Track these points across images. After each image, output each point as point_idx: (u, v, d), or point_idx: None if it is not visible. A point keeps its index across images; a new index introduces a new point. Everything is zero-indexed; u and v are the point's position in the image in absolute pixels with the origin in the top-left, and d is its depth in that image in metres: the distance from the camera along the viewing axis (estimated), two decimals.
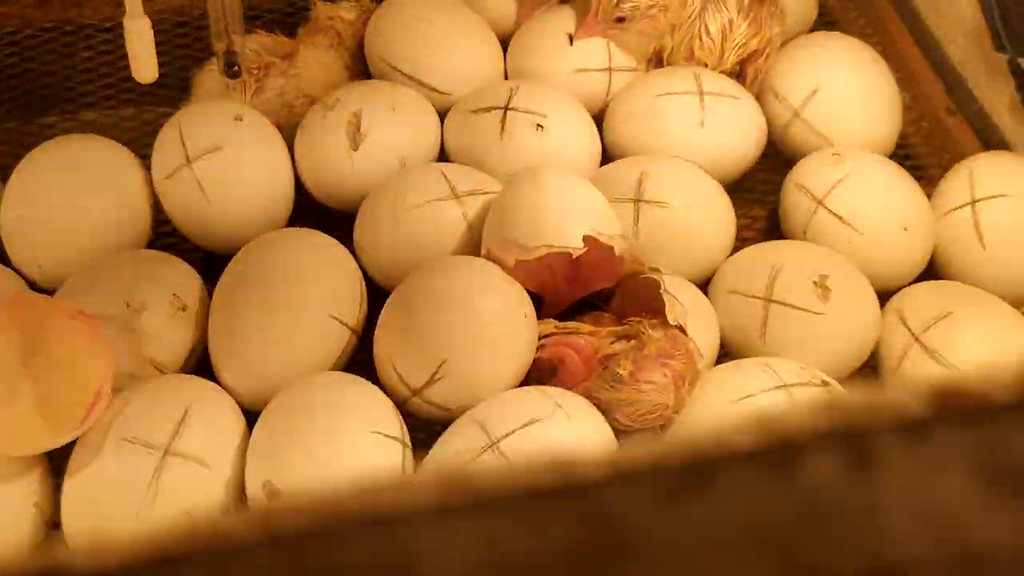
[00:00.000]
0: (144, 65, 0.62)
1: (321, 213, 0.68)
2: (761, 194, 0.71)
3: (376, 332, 0.57)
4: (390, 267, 0.61)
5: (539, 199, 0.57)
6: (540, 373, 0.58)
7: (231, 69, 0.62)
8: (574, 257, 0.56)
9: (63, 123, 0.76)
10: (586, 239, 0.56)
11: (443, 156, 0.70)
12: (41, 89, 0.78)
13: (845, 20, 0.83)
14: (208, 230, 0.63)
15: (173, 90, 0.78)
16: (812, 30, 0.77)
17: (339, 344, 0.58)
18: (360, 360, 0.60)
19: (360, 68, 0.75)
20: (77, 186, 0.61)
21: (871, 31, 0.81)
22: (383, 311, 0.57)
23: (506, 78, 0.73)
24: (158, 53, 0.80)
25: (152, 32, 0.61)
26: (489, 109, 0.66)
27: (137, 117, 0.77)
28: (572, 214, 0.57)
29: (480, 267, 0.56)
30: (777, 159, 0.73)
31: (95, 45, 0.80)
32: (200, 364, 0.59)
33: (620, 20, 0.67)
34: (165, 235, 0.68)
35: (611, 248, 0.57)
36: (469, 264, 0.56)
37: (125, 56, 0.81)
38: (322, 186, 0.66)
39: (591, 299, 0.62)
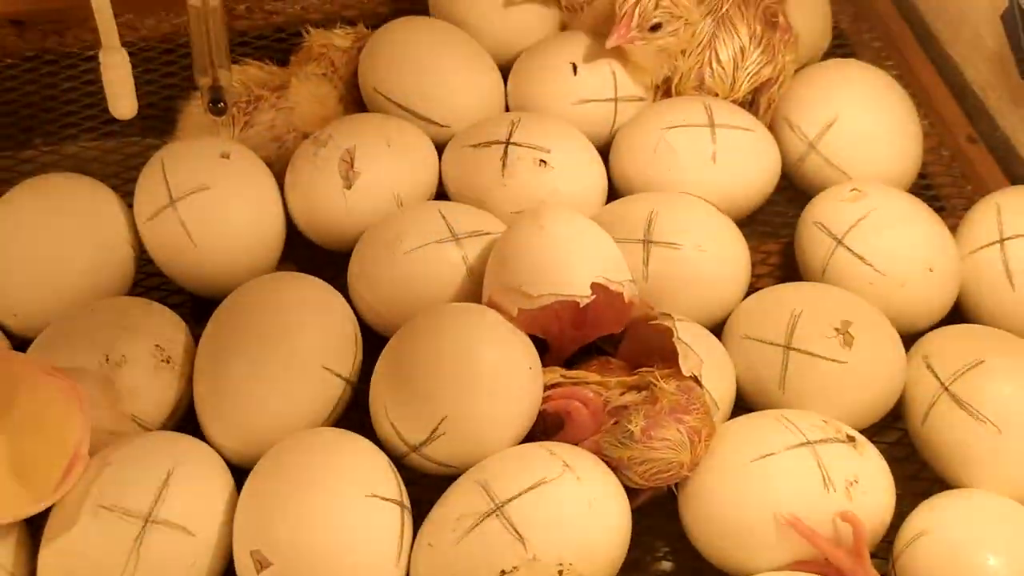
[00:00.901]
0: (121, 100, 0.58)
1: (313, 253, 0.65)
2: (775, 228, 0.68)
3: (372, 384, 0.54)
4: (387, 312, 0.58)
5: (542, 243, 0.54)
6: (545, 426, 0.54)
7: (216, 106, 0.59)
8: (581, 305, 0.52)
9: (43, 156, 0.73)
10: (594, 286, 0.52)
11: (441, 192, 0.66)
12: (21, 120, 0.75)
13: (859, 44, 0.80)
14: (194, 274, 0.60)
15: (159, 122, 0.75)
16: (826, 56, 0.75)
17: (332, 396, 0.54)
18: (355, 410, 0.57)
19: (354, 98, 0.72)
20: (56, 229, 0.58)
21: (887, 55, 0.79)
22: (379, 361, 0.54)
23: (507, 109, 0.70)
24: (143, 82, 0.77)
25: (130, 65, 0.58)
26: (489, 144, 0.63)
27: (120, 150, 0.74)
28: (578, 259, 0.54)
29: (482, 316, 0.53)
30: (791, 191, 0.70)
31: (77, 75, 0.77)
32: (185, 418, 0.56)
33: (654, 28, 0.64)
34: (151, 275, 0.64)
35: (620, 295, 0.54)
36: (470, 312, 0.53)
37: None
38: (314, 226, 0.63)
39: (598, 342, 0.59)
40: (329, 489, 0.48)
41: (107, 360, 0.52)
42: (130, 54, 0.77)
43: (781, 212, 0.69)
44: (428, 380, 0.51)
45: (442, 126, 0.67)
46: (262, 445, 0.52)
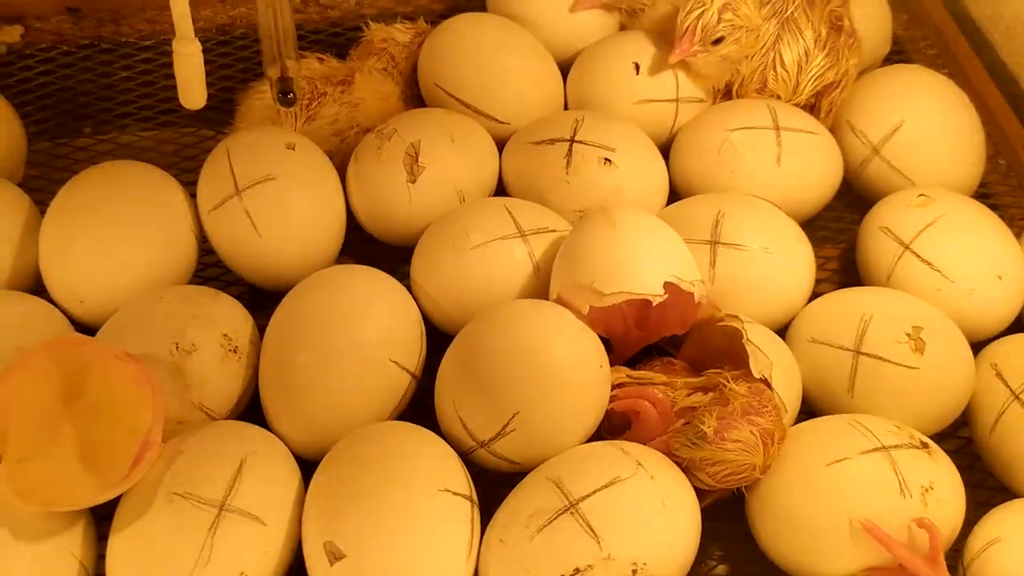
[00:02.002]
0: (192, 91, 0.58)
1: (368, 247, 0.65)
2: (833, 232, 0.68)
3: (439, 379, 0.54)
4: (450, 307, 0.58)
5: (614, 241, 0.54)
6: (612, 425, 0.54)
7: (286, 97, 0.58)
8: (653, 304, 0.52)
9: (98, 144, 0.73)
10: (666, 286, 0.52)
11: (500, 189, 0.66)
12: (78, 108, 0.75)
13: (914, 51, 0.80)
14: (257, 264, 0.60)
15: (214, 112, 0.75)
16: (884, 62, 0.74)
17: (398, 390, 0.54)
18: (411, 404, 0.57)
19: (412, 93, 0.72)
20: (122, 216, 0.58)
21: (943, 62, 0.78)
22: (447, 355, 0.54)
23: (565, 107, 0.70)
24: None
25: (202, 56, 0.58)
26: (553, 141, 0.63)
27: (175, 140, 0.74)
28: (649, 258, 0.53)
29: (554, 312, 0.52)
30: (848, 196, 0.69)
31: (132, 64, 0.77)
32: (248, 409, 0.56)
33: (717, 42, 0.64)
34: (208, 266, 0.64)
35: (691, 295, 0.53)
36: (542, 309, 0.53)
37: (164, 75, 0.79)
38: (377, 219, 0.63)
39: (660, 343, 0.59)
40: (403, 483, 0.47)
41: (177, 348, 0.52)
42: None
43: (839, 217, 0.68)
44: (500, 376, 0.51)
45: (502, 123, 0.67)
46: (328, 437, 0.52)
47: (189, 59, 0.57)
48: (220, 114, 0.75)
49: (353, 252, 0.65)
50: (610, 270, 0.53)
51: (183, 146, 0.73)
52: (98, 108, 0.75)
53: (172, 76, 0.76)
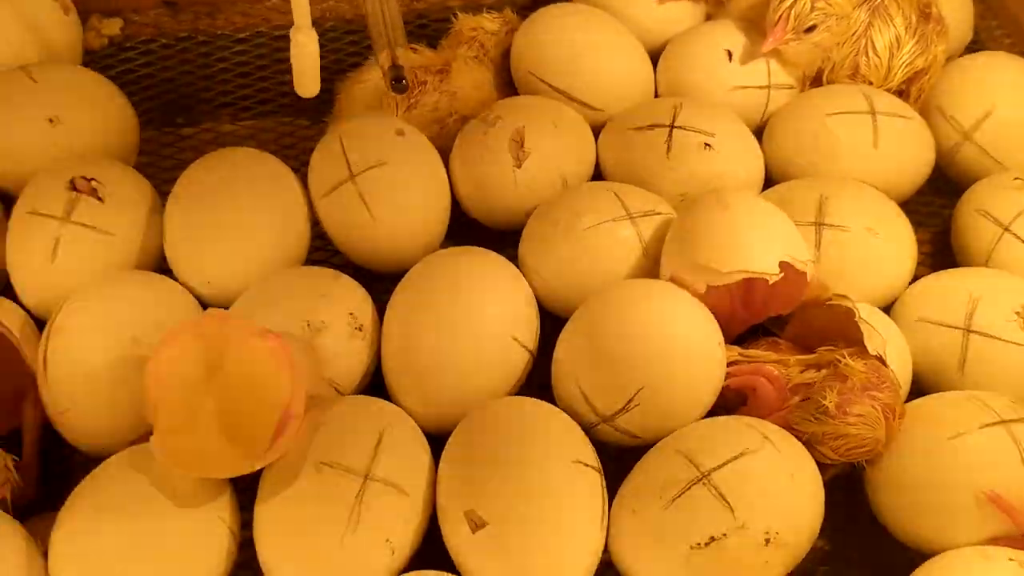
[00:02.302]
0: (307, 79, 0.60)
1: (469, 231, 0.67)
2: (924, 216, 0.69)
3: (558, 356, 0.55)
4: (561, 287, 0.59)
5: (727, 222, 0.55)
6: (727, 402, 0.56)
7: (399, 84, 0.60)
8: (769, 283, 0.54)
9: (201, 134, 0.75)
10: (782, 265, 0.54)
11: (596, 174, 0.68)
12: (180, 99, 0.76)
13: (990, 40, 0.81)
14: (370, 247, 0.62)
15: (310, 101, 0.77)
16: (964, 51, 0.76)
17: (519, 367, 0.56)
18: (527, 383, 0.58)
19: (502, 80, 0.73)
20: (243, 199, 0.60)
21: (1020, 51, 0.79)
22: (565, 334, 0.56)
23: (656, 94, 0.72)
24: (288, 63, 0.80)
25: (318, 46, 0.60)
26: (653, 127, 0.64)
27: (274, 129, 0.76)
28: (763, 238, 0.55)
29: (672, 291, 0.54)
30: (937, 180, 0.70)
31: (229, 56, 0.79)
32: (371, 386, 0.58)
33: (809, 30, 0.65)
34: (315, 249, 0.66)
35: (803, 274, 0.55)
36: (661, 288, 0.54)
37: (258, 67, 0.81)
38: (482, 203, 0.64)
39: (764, 323, 0.60)
40: (539, 454, 0.49)
41: (308, 326, 0.54)
42: (277, 37, 0.81)
43: (928, 201, 0.70)
44: (624, 353, 0.52)
45: (596, 109, 0.68)
46: (453, 412, 0.53)
47: (306, 49, 0.59)
48: (314, 103, 0.77)
49: (452, 236, 0.67)
50: (724, 250, 0.55)
51: (280, 135, 0.75)
52: (197, 99, 0.77)
53: (267, 67, 0.80)
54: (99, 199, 0.58)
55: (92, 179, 0.59)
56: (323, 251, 0.66)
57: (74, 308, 0.54)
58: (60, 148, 0.62)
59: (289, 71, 0.78)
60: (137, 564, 0.47)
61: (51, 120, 0.62)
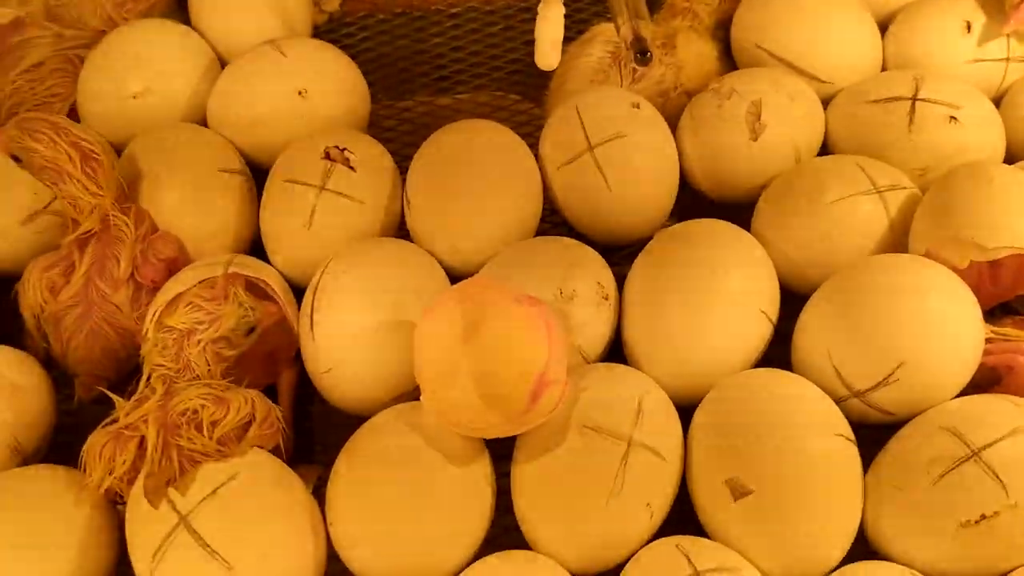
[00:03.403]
0: (549, 52, 0.61)
1: (695, 202, 0.67)
2: None
3: (807, 328, 0.55)
4: (802, 261, 0.58)
5: (991, 195, 0.54)
6: (982, 379, 0.55)
7: (643, 56, 0.60)
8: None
9: (419, 107, 0.77)
10: None
11: (823, 148, 0.67)
12: (398, 72, 0.79)
13: None
14: (603, 219, 0.62)
15: (520, 76, 0.79)
16: None
17: (764, 340, 0.56)
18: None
19: (719, 51, 0.73)
20: (484, 169, 0.61)
21: None
22: (813, 307, 0.55)
23: (883, 66, 0.70)
24: (504, 39, 0.81)
25: (563, 19, 0.61)
26: (893, 99, 0.63)
27: (489, 103, 0.77)
28: None
29: (932, 267, 0.53)
30: None
31: (443, 31, 0.81)
32: (611, 354, 0.59)
33: None
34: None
35: None
36: (921, 264, 0.53)
37: (472, 41, 0.83)
38: (713, 176, 0.64)
39: (1012, 302, 0.58)
40: (803, 426, 0.49)
41: (560, 294, 0.55)
42: (490, 12, 0.82)
43: None
44: (883, 327, 0.51)
45: (824, 82, 0.67)
46: (699, 383, 0.54)
47: (552, 20, 0.60)
48: (526, 77, 0.78)
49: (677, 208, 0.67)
50: (986, 225, 0.53)
51: (495, 108, 0.76)
52: (413, 73, 0.79)
53: (479, 41, 0.82)
54: (351, 168, 0.61)
55: (345, 149, 0.61)
56: (544, 221, 0.67)
57: (338, 272, 0.56)
58: (307, 120, 0.65)
59: (501, 45, 0.81)
60: (411, 515, 0.49)
61: (300, 93, 0.65)
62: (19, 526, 0.50)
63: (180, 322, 0.53)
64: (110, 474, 0.50)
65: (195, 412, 0.51)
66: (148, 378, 0.53)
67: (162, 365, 0.53)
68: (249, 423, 0.52)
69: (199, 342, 0.53)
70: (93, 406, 0.60)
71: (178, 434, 0.50)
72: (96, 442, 0.51)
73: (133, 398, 0.52)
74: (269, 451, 0.53)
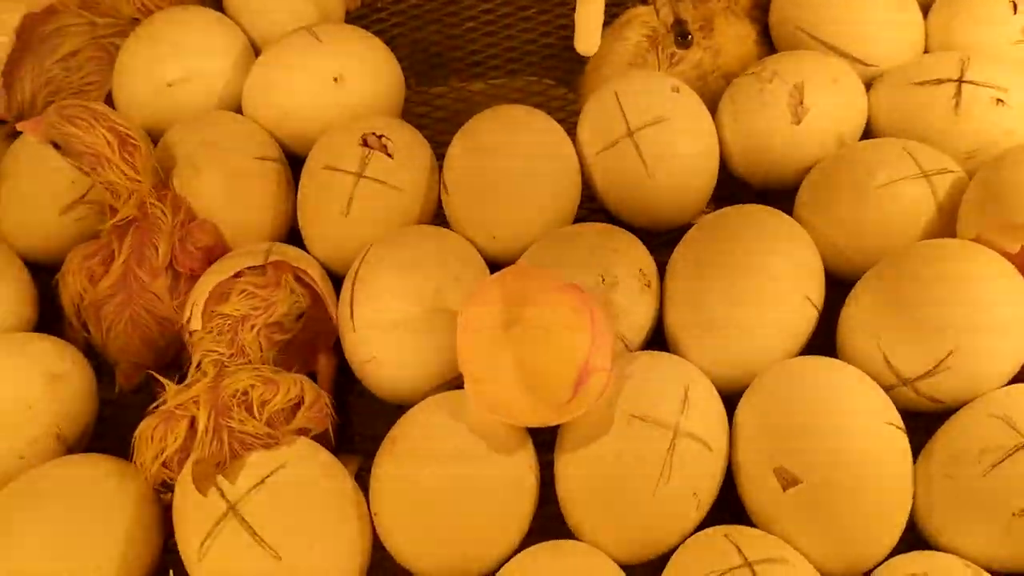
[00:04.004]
0: (590, 37, 0.60)
1: (734, 188, 0.66)
2: None
3: (853, 315, 0.54)
4: (847, 246, 0.57)
5: None
6: None
7: (684, 39, 0.60)
8: None
9: (452, 92, 0.76)
10: None
11: (865, 132, 0.66)
12: (430, 58, 0.78)
13: None
14: (642, 205, 0.61)
15: (557, 61, 0.78)
16: None
17: (809, 326, 0.55)
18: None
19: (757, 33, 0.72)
20: (521, 156, 0.60)
21: None
22: (860, 293, 0.54)
23: (926, 48, 0.69)
24: (539, 23, 0.80)
25: (604, 4, 0.60)
26: (939, 82, 0.62)
27: (524, 88, 0.76)
28: None
29: (983, 253, 0.52)
30: None
31: (476, 15, 0.80)
32: (652, 341, 0.58)
33: None
34: None
35: None
36: (972, 249, 0.52)
37: (504, 26, 0.82)
38: (753, 161, 0.63)
39: None
40: (852, 415, 0.49)
41: (603, 280, 0.55)
42: None
43: None
44: (934, 314, 0.51)
45: (868, 64, 0.66)
46: (744, 371, 0.53)
47: (592, 7, 0.59)
48: (560, 62, 0.78)
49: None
50: None
51: (528, 94, 0.76)
52: (446, 58, 0.78)
53: (512, 26, 0.81)
54: (389, 155, 0.60)
55: (382, 135, 0.61)
56: (581, 208, 0.66)
57: (377, 260, 0.56)
58: (342, 107, 0.65)
59: (535, 29, 0.80)
60: (455, 504, 0.49)
61: (336, 79, 0.65)
62: (64, 515, 0.50)
63: (235, 309, 0.54)
64: (160, 454, 0.50)
65: (245, 393, 0.51)
66: (199, 365, 0.53)
67: (214, 351, 0.53)
68: (298, 405, 0.52)
69: (253, 327, 0.54)
70: (134, 395, 0.60)
71: (229, 415, 0.50)
72: (147, 425, 0.52)
73: (183, 383, 0.53)
74: (316, 438, 0.53)
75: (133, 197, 0.59)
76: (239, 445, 0.50)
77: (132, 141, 0.59)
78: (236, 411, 0.50)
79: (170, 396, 0.52)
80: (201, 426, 0.50)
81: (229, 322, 0.53)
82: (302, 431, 0.52)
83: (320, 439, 0.53)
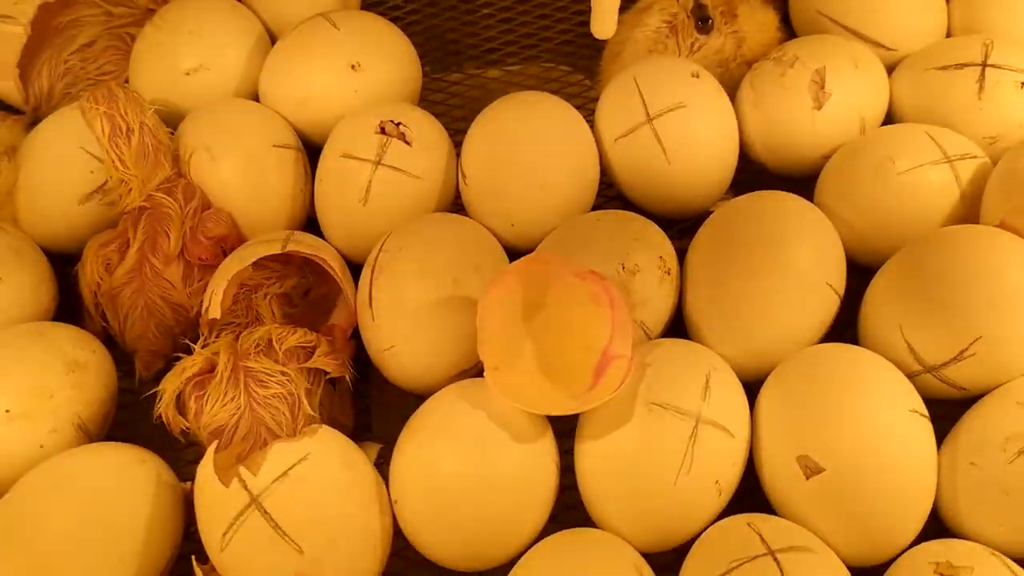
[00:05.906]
0: (606, 21, 0.60)
1: (753, 175, 0.66)
2: None
3: (874, 302, 0.54)
4: (869, 233, 0.57)
5: None
6: None
7: (705, 24, 0.59)
8: None
9: (469, 79, 0.76)
10: None
11: (887, 117, 0.65)
12: (446, 45, 0.78)
13: None
14: (660, 192, 0.61)
15: (571, 47, 0.77)
16: None
17: (831, 313, 0.54)
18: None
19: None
20: (540, 143, 0.60)
21: None
22: (883, 280, 0.54)
23: (948, 32, 0.68)
24: (555, 8, 0.80)
25: None
26: (962, 66, 0.61)
27: (541, 75, 0.76)
28: None
29: (1008, 240, 0.51)
30: None
31: (493, 2, 0.80)
32: (672, 328, 0.58)
33: None
34: None
35: None
36: (997, 236, 0.52)
37: (521, 12, 0.81)
38: (773, 147, 0.63)
39: None
40: (876, 402, 0.48)
41: (623, 268, 0.54)
42: None
43: None
44: (960, 300, 0.50)
45: (889, 49, 0.65)
46: (765, 359, 0.53)
47: None
48: (577, 48, 0.77)
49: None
50: None
51: (545, 80, 0.75)
52: (466, 45, 0.78)
53: (528, 12, 0.81)
54: (407, 143, 0.60)
55: (400, 123, 0.61)
56: (598, 195, 0.66)
57: (396, 249, 0.56)
58: (359, 95, 0.64)
59: (551, 15, 0.80)
60: (476, 493, 0.49)
61: (353, 66, 0.64)
62: (85, 504, 0.50)
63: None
64: (180, 374, 0.52)
65: (264, 340, 0.52)
66: (218, 333, 0.54)
67: (232, 322, 0.55)
68: (314, 349, 0.53)
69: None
70: (153, 383, 0.60)
71: (247, 359, 0.51)
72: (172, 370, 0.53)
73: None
74: (335, 424, 0.53)
75: (123, 186, 0.59)
76: (255, 384, 0.50)
77: (125, 130, 0.59)
78: (254, 356, 0.51)
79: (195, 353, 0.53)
80: (221, 363, 0.51)
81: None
82: (318, 372, 0.53)
83: (338, 425, 0.53)
